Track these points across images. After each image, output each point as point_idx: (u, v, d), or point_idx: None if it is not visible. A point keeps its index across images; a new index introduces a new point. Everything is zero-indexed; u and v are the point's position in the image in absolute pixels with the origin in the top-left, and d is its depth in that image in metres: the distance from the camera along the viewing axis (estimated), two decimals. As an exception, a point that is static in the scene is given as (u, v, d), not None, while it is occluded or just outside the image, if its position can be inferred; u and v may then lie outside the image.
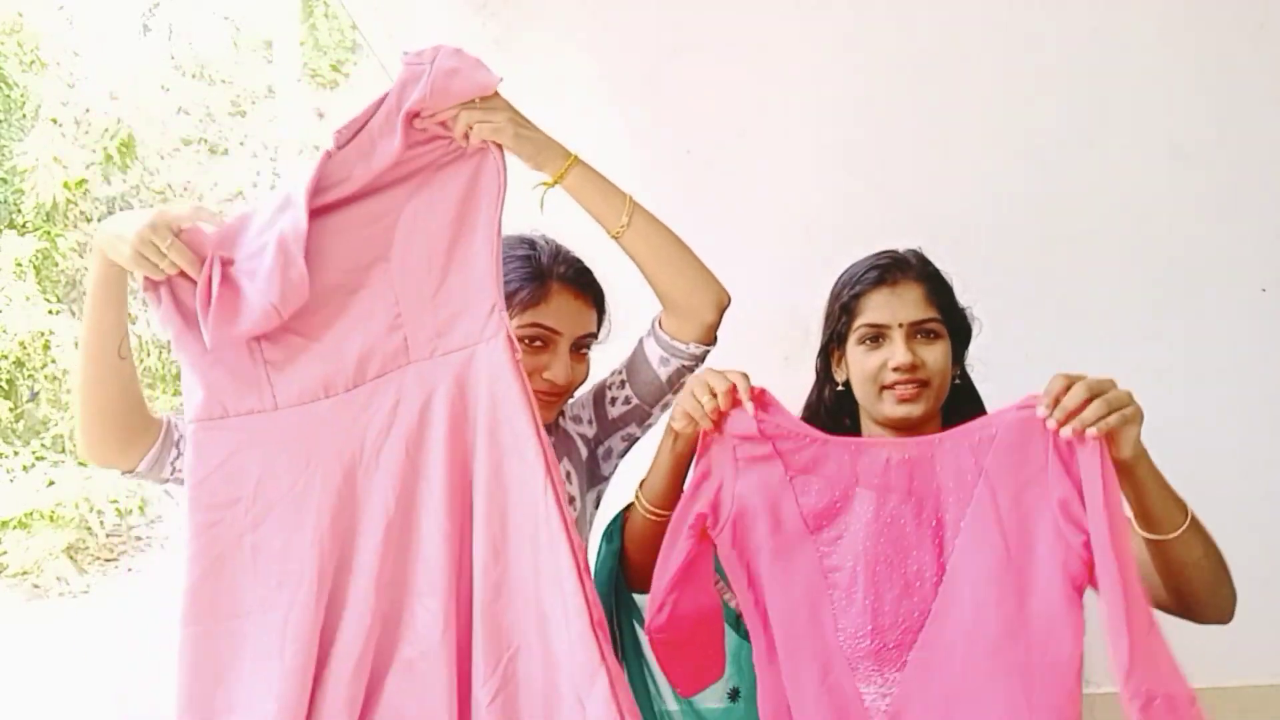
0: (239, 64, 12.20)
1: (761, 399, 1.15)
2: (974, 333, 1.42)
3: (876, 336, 1.33)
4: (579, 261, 1.30)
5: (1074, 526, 1.01)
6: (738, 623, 1.33)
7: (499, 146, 1.10)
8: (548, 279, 1.23)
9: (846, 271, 1.41)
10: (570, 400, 1.35)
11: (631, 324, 1.32)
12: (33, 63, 9.38)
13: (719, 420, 1.12)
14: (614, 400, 1.27)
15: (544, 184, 1.13)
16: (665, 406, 1.28)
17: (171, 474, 1.16)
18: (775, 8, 2.09)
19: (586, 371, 1.29)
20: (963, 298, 1.41)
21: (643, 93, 2.07)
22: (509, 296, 1.22)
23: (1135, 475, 1.08)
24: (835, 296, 1.41)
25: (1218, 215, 2.09)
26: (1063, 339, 2.02)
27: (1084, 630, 1.03)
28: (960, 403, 1.39)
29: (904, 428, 1.33)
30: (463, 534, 1.08)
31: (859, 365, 1.34)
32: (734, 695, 1.43)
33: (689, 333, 1.20)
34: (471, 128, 1.07)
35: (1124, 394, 1.04)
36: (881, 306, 1.33)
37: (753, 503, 1.11)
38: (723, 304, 1.21)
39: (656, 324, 1.23)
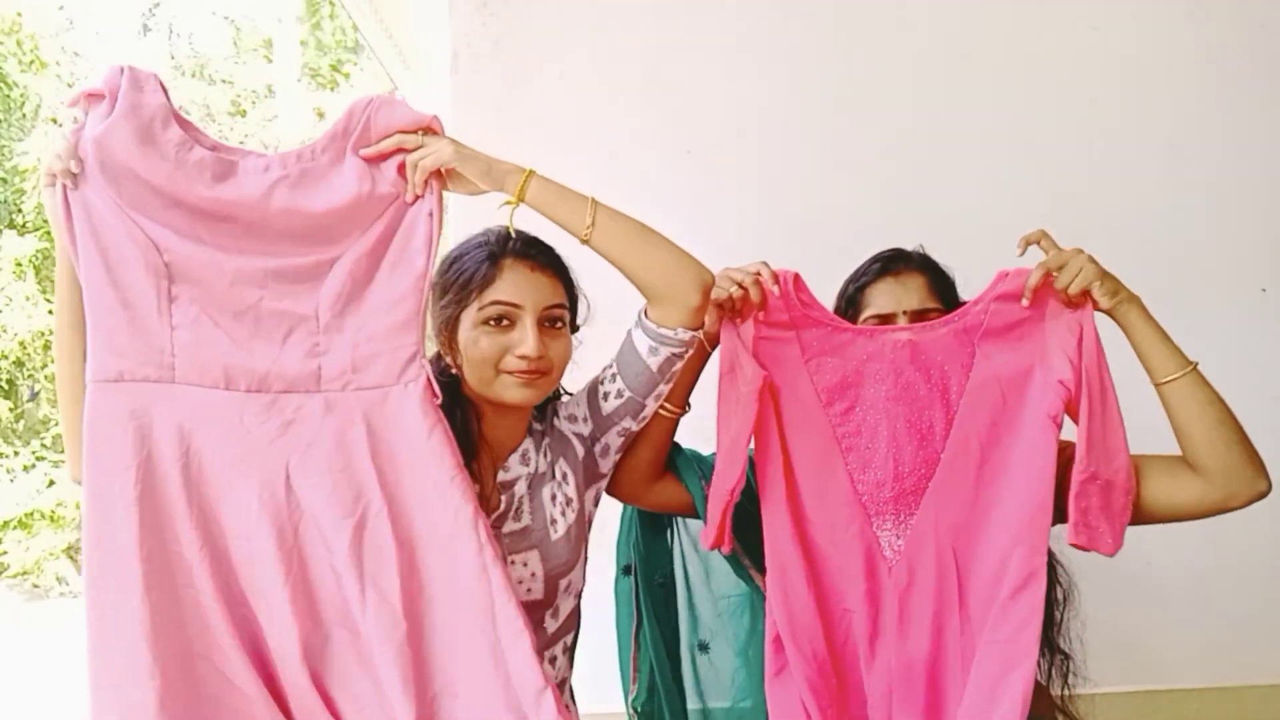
0: (239, 64, 12.22)
1: (797, 282, 1.28)
2: None
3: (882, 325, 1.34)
4: (532, 236, 1.27)
5: (1050, 371, 1.20)
6: (738, 565, 1.37)
7: (438, 191, 1.12)
8: (499, 257, 1.22)
9: (852, 272, 1.44)
10: (565, 399, 1.35)
11: (625, 315, 1.30)
12: (32, 63, 9.39)
13: (746, 308, 1.25)
14: (606, 395, 1.27)
15: (507, 202, 1.14)
16: (658, 397, 1.28)
17: None
18: (775, 8, 2.09)
19: (566, 348, 1.26)
20: (964, 294, 1.42)
21: (643, 93, 2.07)
22: (466, 283, 1.22)
23: (1124, 320, 1.21)
24: (841, 294, 1.43)
25: (1218, 215, 2.09)
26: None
27: (1056, 454, 1.18)
28: None
29: None
30: (306, 564, 1.07)
31: None
32: (704, 647, 1.50)
33: (675, 319, 1.18)
34: (416, 166, 1.09)
35: (1078, 260, 1.20)
36: (886, 294, 1.35)
37: (774, 375, 1.25)
38: (706, 284, 1.19)
39: (642, 314, 1.22)
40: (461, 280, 1.22)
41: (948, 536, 1.23)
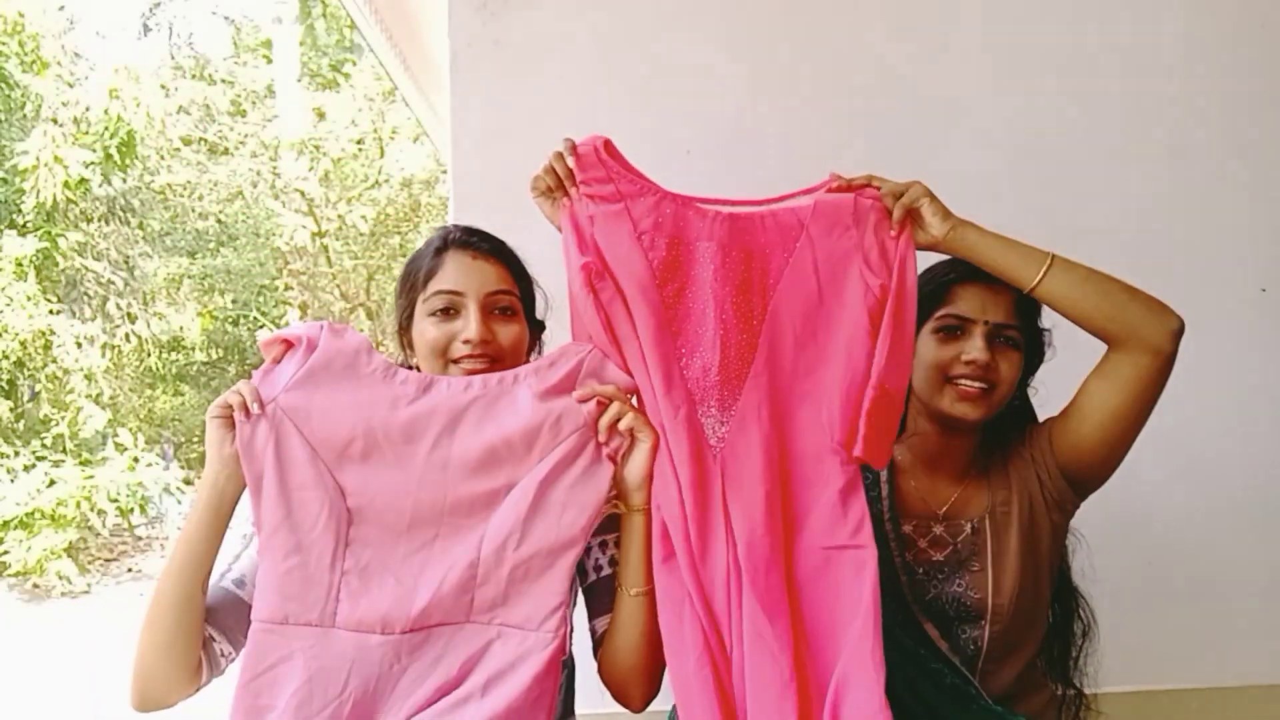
0: (239, 64, 12.22)
1: (608, 147, 1.24)
2: (1046, 358, 1.39)
3: (957, 328, 1.30)
4: (474, 228, 1.29)
5: (873, 274, 1.20)
6: None
7: (620, 455, 1.15)
8: (442, 250, 1.24)
9: (942, 261, 1.36)
10: None
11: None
12: (34, 63, 9.39)
13: (561, 184, 1.23)
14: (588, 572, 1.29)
15: (616, 507, 1.19)
16: None
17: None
18: (776, 8, 2.08)
19: (519, 335, 1.25)
20: (1045, 320, 1.38)
21: (643, 93, 2.06)
22: (415, 277, 1.24)
23: (964, 242, 1.22)
24: (929, 279, 1.35)
25: (1218, 215, 2.09)
26: (1062, 339, 2.02)
27: (872, 357, 1.17)
28: (1014, 422, 1.37)
29: (955, 427, 1.32)
30: None
31: (931, 353, 1.31)
32: None
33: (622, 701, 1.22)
34: (619, 419, 1.13)
35: (913, 188, 1.22)
36: (973, 299, 1.31)
37: (610, 254, 1.21)
38: (650, 700, 1.22)
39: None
40: (411, 278, 1.25)
41: (771, 425, 1.19)
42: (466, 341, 1.20)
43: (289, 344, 1.13)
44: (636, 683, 1.19)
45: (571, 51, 2.04)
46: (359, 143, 11.72)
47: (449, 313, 1.22)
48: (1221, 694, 2.03)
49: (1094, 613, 1.42)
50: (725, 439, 1.18)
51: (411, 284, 1.24)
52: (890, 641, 1.12)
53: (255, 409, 1.09)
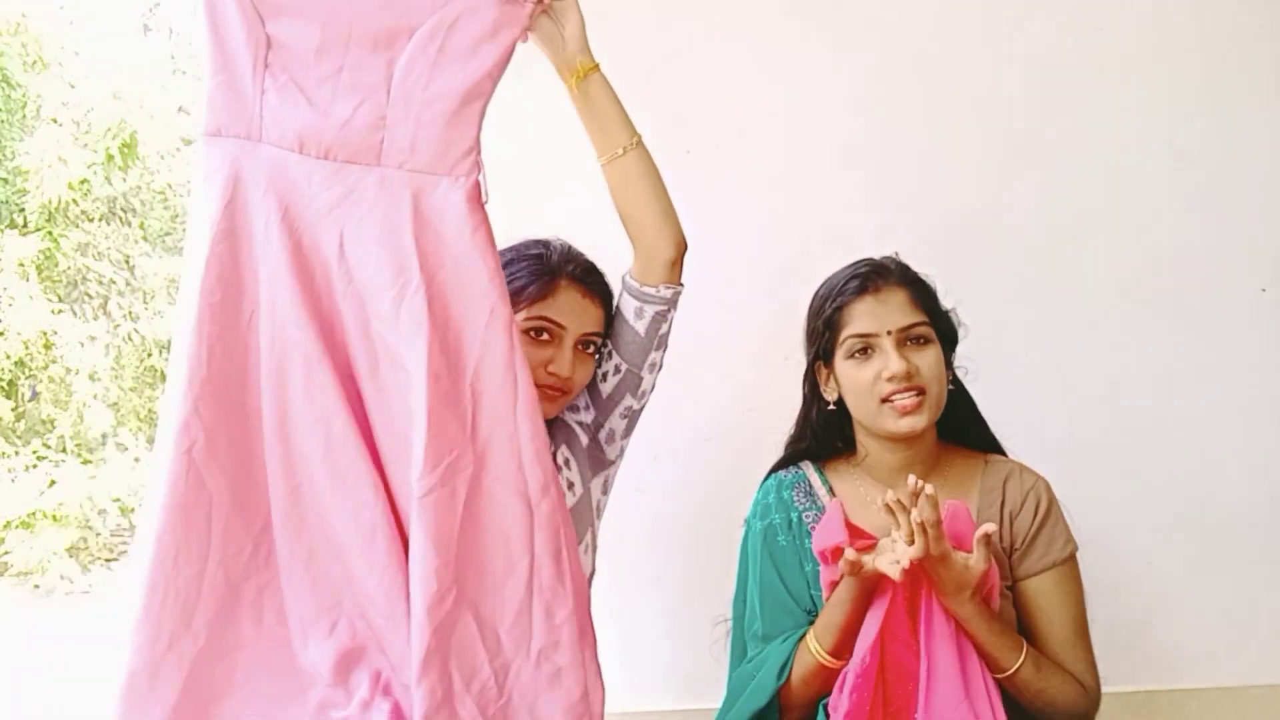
0: (240, 64, 12.18)
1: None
2: (960, 336, 1.39)
3: (865, 348, 1.29)
4: (589, 262, 1.33)
5: None
6: None
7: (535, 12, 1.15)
8: (556, 276, 1.28)
9: (824, 284, 1.37)
10: None
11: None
12: (34, 63, 9.38)
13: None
14: (604, 375, 1.30)
15: (580, 70, 1.24)
16: (652, 367, 1.30)
17: None
18: (775, 8, 2.09)
19: (590, 371, 1.30)
20: (945, 300, 1.39)
21: (643, 93, 2.05)
22: (518, 292, 1.25)
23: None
24: (816, 312, 1.37)
25: (1218, 215, 2.08)
26: (1062, 339, 2.01)
27: None
28: (955, 409, 1.37)
29: (907, 441, 1.31)
30: (343, 330, 1.11)
31: (851, 380, 1.30)
32: None
33: (654, 274, 1.25)
34: None
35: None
36: (867, 315, 1.29)
37: None
38: (681, 245, 1.26)
39: (627, 276, 1.27)
40: (513, 286, 1.25)
41: None
42: (553, 374, 1.24)
43: None
44: (661, 227, 1.25)
45: (572, 52, 2.03)
46: (360, 142, 11.70)
47: (541, 336, 1.26)
48: (1221, 694, 2.03)
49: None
50: None
51: (512, 294, 1.23)
52: None
53: None
